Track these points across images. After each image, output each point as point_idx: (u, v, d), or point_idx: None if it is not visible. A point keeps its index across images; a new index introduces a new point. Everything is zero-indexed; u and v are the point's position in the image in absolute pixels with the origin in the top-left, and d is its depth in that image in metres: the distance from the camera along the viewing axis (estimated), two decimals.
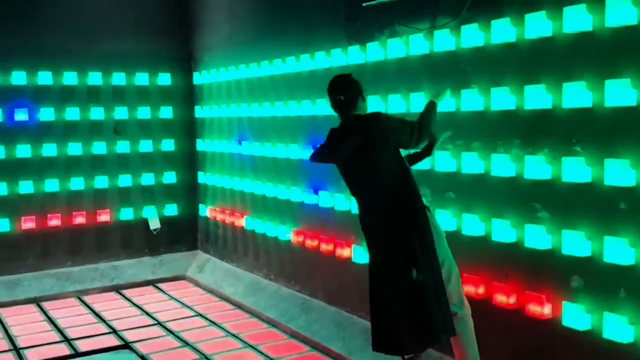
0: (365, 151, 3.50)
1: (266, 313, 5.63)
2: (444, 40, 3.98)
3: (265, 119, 5.89)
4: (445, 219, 4.02)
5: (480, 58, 3.79)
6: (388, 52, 4.41)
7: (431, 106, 3.69)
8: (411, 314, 3.46)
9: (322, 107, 5.05)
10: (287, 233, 5.63)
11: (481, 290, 3.81)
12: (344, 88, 3.64)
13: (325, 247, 5.12)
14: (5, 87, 6.37)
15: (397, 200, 3.50)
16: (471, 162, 3.83)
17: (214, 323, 5.60)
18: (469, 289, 3.84)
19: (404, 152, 3.63)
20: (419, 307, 3.43)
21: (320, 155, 3.69)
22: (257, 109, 5.93)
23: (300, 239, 5.42)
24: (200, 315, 5.83)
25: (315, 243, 5.24)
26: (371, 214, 3.63)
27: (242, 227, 6.32)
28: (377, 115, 3.60)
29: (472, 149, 3.85)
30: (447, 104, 3.89)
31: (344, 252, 4.88)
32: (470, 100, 3.83)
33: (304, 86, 5.32)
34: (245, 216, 6.26)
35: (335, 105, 3.65)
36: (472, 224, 3.84)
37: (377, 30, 4.51)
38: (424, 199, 3.64)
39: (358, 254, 4.72)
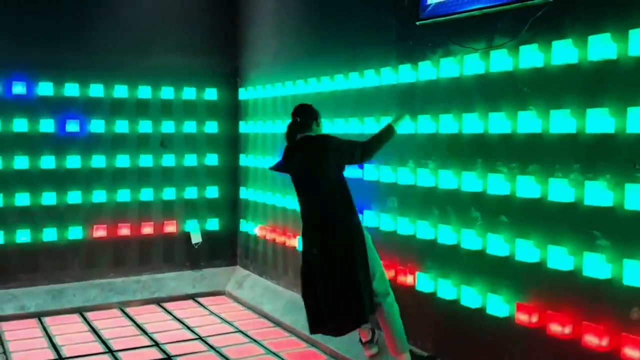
0: (310, 164, 4.25)
1: (305, 332, 5.54)
2: (501, 60, 3.90)
3: None
4: (497, 244, 3.93)
5: (539, 79, 3.70)
6: (441, 71, 4.35)
7: (387, 129, 4.40)
8: (346, 300, 4.14)
9: (370, 126, 5.01)
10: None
11: (534, 319, 3.70)
12: (302, 112, 4.44)
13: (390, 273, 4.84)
14: (58, 98, 6.49)
15: (334, 206, 4.19)
16: (527, 186, 3.73)
17: (254, 340, 5.56)
18: (522, 317, 3.74)
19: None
20: (352, 294, 4.11)
21: (277, 167, 4.58)
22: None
23: None
24: (240, 331, 5.81)
25: None
26: (313, 214, 4.30)
27: (294, 247, 6.15)
28: (323, 137, 4.33)
29: (527, 173, 3.76)
30: (407, 127, 4.52)
31: (407, 279, 4.68)
32: (527, 122, 3.74)
33: (352, 105, 5.29)
34: (297, 236, 6.14)
35: (293, 125, 4.41)
36: (526, 250, 3.74)
37: (429, 49, 4.46)
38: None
39: (423, 281, 4.51)
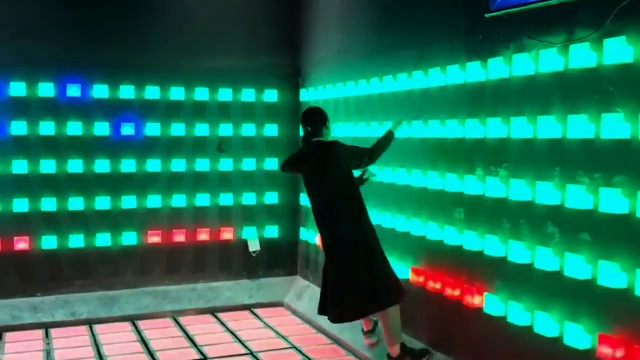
0: (321, 169, 4.59)
1: (364, 352, 5.15)
2: (582, 55, 3.38)
3: (372, 139, 5.44)
4: (577, 265, 3.41)
5: (627, 77, 3.16)
6: (513, 68, 3.86)
7: (388, 135, 4.72)
8: (353, 290, 4.49)
9: (436, 129, 4.57)
10: (405, 271, 4.98)
11: (619, 353, 3.16)
12: (310, 121, 4.70)
13: (450, 291, 4.42)
14: (113, 101, 6.35)
15: (342, 206, 4.57)
16: (612, 200, 3.20)
17: (308, 358, 5.20)
18: (605, 350, 3.21)
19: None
20: (360, 284, 4.47)
21: (289, 168, 4.98)
22: (364, 128, 5.52)
23: (421, 279, 4.76)
24: (295, 347, 5.46)
25: (438, 285, 4.55)
26: (324, 213, 4.68)
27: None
28: (332, 143, 4.63)
29: (613, 184, 3.23)
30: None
31: (474, 300, 4.20)
32: (612, 126, 3.21)
33: (416, 106, 4.85)
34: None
35: (307, 135, 4.70)
36: (611, 274, 3.20)
37: (501, 44, 3.97)
38: None
39: (492, 303, 4.02)
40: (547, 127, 3.58)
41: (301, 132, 4.83)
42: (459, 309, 4.35)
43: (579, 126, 3.39)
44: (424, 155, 4.75)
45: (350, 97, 5.86)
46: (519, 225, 3.84)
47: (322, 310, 4.82)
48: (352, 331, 5.51)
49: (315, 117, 4.71)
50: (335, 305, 4.61)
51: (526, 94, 3.79)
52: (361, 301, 4.50)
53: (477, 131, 4.14)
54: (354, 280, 4.48)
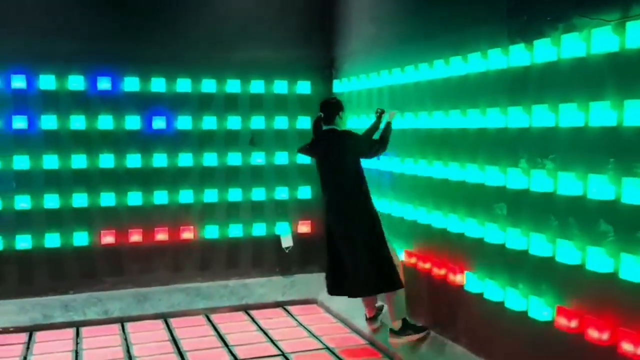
0: (331, 154, 4.96)
1: (400, 354, 4.90)
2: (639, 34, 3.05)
3: (407, 131, 5.18)
4: (634, 267, 3.08)
5: None
6: (562, 50, 3.53)
7: (388, 128, 5.01)
8: (358, 271, 4.86)
9: (476, 119, 4.26)
10: (440, 269, 4.74)
11: None
12: (326, 107, 5.06)
13: (492, 294, 4.12)
14: (144, 94, 6.21)
15: (349, 191, 4.90)
16: None
17: None
18: None
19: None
20: (362, 267, 4.83)
21: (303, 151, 5.33)
22: (398, 119, 5.24)
23: (458, 278, 4.48)
24: (328, 349, 5.23)
25: (479, 286, 4.27)
26: (331, 196, 5.02)
27: (419, 265, 5.47)
28: (344, 133, 4.99)
29: None
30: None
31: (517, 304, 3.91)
32: None
33: (453, 94, 4.55)
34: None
35: (319, 119, 5.05)
36: None
37: (548, 24, 3.64)
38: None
39: (537, 308, 3.72)
40: (600, 114, 3.26)
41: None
42: (499, 313, 4.05)
43: (635, 113, 3.06)
44: (463, 147, 4.45)
45: (384, 87, 5.58)
46: (568, 223, 3.53)
47: (334, 291, 5.18)
48: (386, 332, 5.25)
49: (331, 106, 5.05)
50: (345, 285, 5.02)
51: (576, 78, 3.47)
52: (368, 282, 4.86)
53: (521, 120, 3.82)
54: (362, 263, 4.83)
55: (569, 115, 3.46)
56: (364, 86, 5.97)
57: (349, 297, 5.17)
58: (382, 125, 5.14)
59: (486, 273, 4.22)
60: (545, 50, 3.64)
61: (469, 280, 4.37)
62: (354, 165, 4.91)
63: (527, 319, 3.80)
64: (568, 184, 3.47)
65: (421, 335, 4.85)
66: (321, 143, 5.04)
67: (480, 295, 4.24)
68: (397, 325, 4.89)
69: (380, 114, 5.28)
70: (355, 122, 6.15)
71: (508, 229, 3.98)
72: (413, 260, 5.09)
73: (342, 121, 5.09)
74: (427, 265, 4.89)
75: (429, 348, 4.77)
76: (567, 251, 3.48)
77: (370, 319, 5.29)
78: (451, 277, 4.56)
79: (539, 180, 3.69)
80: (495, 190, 4.09)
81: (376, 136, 5.09)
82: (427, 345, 4.79)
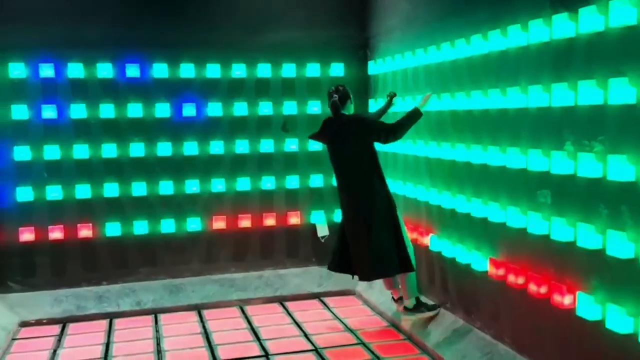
0: (343, 139, 4.93)
1: (438, 351, 4.61)
2: None
3: (444, 113, 4.84)
4: None
5: None
6: (610, 19, 3.14)
7: (415, 111, 4.83)
8: (374, 254, 4.90)
9: (516, 98, 3.91)
10: (483, 263, 4.39)
11: None
12: (338, 92, 5.00)
13: (534, 288, 3.77)
14: (173, 80, 6.04)
15: (361, 174, 4.94)
16: None
17: (377, 357, 4.71)
18: None
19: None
20: (384, 249, 4.90)
21: (315, 136, 5.19)
22: (434, 101, 4.90)
23: (501, 272, 4.14)
24: (363, 343, 4.98)
25: (521, 281, 3.93)
26: (344, 180, 5.05)
27: (426, 245, 5.22)
28: (356, 117, 5.05)
29: None
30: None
31: (565, 300, 3.53)
32: None
33: (492, 72, 4.20)
34: (431, 234, 5.17)
35: (331, 104, 4.97)
36: None
37: None
38: None
39: (585, 305, 3.38)
40: None
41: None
42: (546, 309, 3.71)
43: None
44: (502, 129, 4.10)
45: (420, 66, 5.24)
46: (620, 212, 3.16)
47: (338, 268, 5.26)
48: (425, 327, 4.98)
49: (343, 89, 5.04)
50: (359, 267, 5.06)
51: (628, 49, 3.08)
52: (385, 264, 4.92)
53: (566, 98, 3.46)
54: (380, 246, 4.88)
55: (620, 91, 3.08)
56: (399, 67, 5.64)
57: (361, 280, 5.23)
58: (393, 109, 5.34)
59: (530, 266, 3.88)
60: (591, 19, 3.25)
61: (510, 274, 4.03)
62: (369, 150, 4.93)
63: (575, 317, 3.46)
64: (619, 168, 3.11)
65: (433, 313, 5.01)
66: (333, 128, 5.02)
67: (524, 291, 3.90)
68: (410, 303, 5.06)
69: (391, 98, 5.34)
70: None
71: (553, 219, 3.63)
72: (454, 252, 4.77)
73: (352, 106, 5.12)
74: (468, 259, 4.57)
75: (474, 347, 4.46)
76: (618, 243, 3.12)
77: (398, 300, 5.25)
78: (492, 271, 4.23)
79: (586, 164, 3.33)
80: (539, 176, 3.74)
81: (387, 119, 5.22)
82: (473, 345, 4.47)
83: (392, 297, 5.35)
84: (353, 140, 4.89)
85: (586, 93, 3.31)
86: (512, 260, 4.05)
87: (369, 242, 4.88)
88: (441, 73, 4.89)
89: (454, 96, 4.65)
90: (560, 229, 3.55)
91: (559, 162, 3.54)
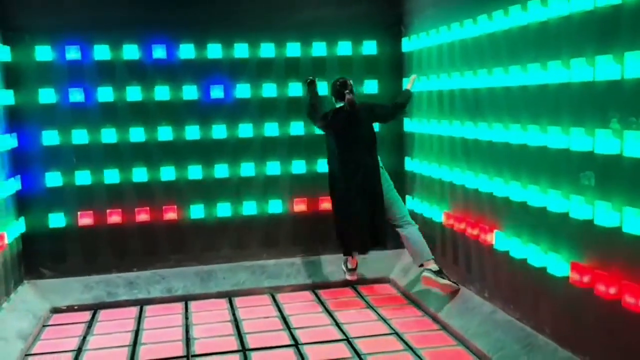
0: (356, 126, 5.29)
1: (474, 341, 4.37)
2: None
3: (481, 90, 4.55)
4: None
5: None
6: None
7: (407, 94, 5.49)
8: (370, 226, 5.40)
9: (557, 73, 3.61)
10: (522, 249, 4.13)
11: None
12: (349, 87, 5.34)
13: (576, 276, 3.50)
14: (200, 61, 5.88)
15: (374, 154, 5.36)
16: None
17: (410, 347, 4.50)
18: None
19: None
20: (377, 222, 5.39)
21: (326, 125, 5.47)
22: (471, 78, 4.62)
23: (541, 260, 3.89)
24: (397, 333, 4.78)
25: (563, 270, 3.67)
26: (351, 163, 5.34)
27: (462, 230, 4.98)
28: (364, 105, 5.37)
29: None
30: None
31: (610, 290, 3.25)
32: None
33: (532, 45, 3.89)
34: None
35: (348, 101, 5.27)
36: None
37: None
38: None
39: (632, 296, 3.10)
40: None
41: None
42: (589, 298, 3.43)
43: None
44: (542, 106, 3.81)
45: (455, 41, 4.95)
46: None
47: (350, 251, 5.61)
48: (462, 317, 4.74)
49: (352, 84, 5.36)
50: (365, 240, 5.44)
51: None
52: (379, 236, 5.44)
53: (611, 71, 3.16)
54: (380, 217, 5.36)
55: None
56: (434, 42, 5.35)
57: (379, 248, 5.58)
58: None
59: (571, 254, 3.60)
60: None
61: (552, 262, 3.76)
62: (374, 131, 5.39)
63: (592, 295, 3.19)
64: None
65: (454, 287, 5.05)
66: (351, 117, 5.30)
67: (566, 279, 3.63)
68: (432, 266, 5.14)
69: (310, 82, 5.70)
70: (425, 83, 5.57)
71: (597, 203, 3.34)
72: (489, 237, 4.51)
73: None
74: (506, 247, 4.30)
75: (513, 338, 4.21)
76: None
77: (355, 270, 5.74)
78: (532, 258, 3.96)
79: (633, 143, 3.03)
80: (582, 156, 3.45)
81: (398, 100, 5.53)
82: (512, 336, 4.22)
83: (349, 268, 5.70)
84: (364, 126, 5.31)
85: (633, 66, 3.00)
86: (553, 248, 3.78)
87: (380, 214, 5.34)
88: (478, 48, 4.59)
89: (491, 72, 4.36)
90: (605, 213, 3.26)
91: (603, 141, 3.24)
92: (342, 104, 5.33)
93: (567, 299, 3.71)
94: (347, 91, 5.28)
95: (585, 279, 3.43)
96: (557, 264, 3.71)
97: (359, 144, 5.31)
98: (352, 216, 5.38)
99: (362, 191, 5.32)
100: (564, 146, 3.58)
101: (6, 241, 5.12)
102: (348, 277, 5.76)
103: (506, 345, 4.13)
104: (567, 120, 3.57)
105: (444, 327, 4.85)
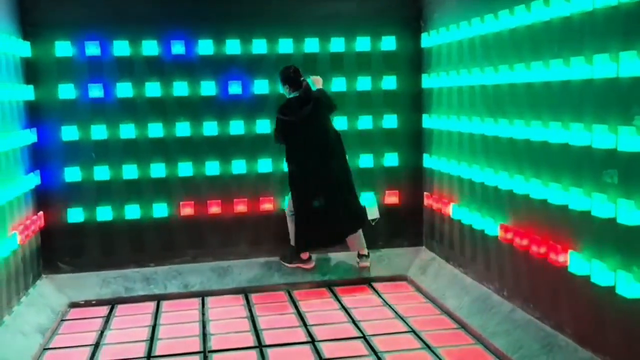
0: (318, 115, 5.52)
1: (493, 341, 4.32)
2: None
3: (502, 87, 4.49)
4: None
5: None
6: None
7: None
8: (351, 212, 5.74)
9: (580, 69, 3.55)
10: (540, 247, 4.07)
11: None
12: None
13: (596, 275, 3.48)
14: (218, 57, 5.88)
15: (337, 144, 5.64)
16: None
17: (427, 346, 4.46)
18: None
19: None
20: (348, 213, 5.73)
21: (290, 119, 5.55)
22: (492, 74, 4.56)
23: (561, 258, 3.81)
24: (414, 332, 4.74)
25: (583, 268, 3.63)
26: (325, 154, 5.57)
27: (482, 230, 4.93)
28: (321, 91, 5.58)
29: None
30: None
31: (633, 290, 3.22)
32: None
33: (554, 40, 3.83)
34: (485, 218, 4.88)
35: (305, 85, 5.58)
36: None
37: None
38: None
39: None
40: None
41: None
42: (611, 298, 3.37)
43: None
44: (565, 103, 3.75)
45: (476, 37, 4.89)
46: None
47: (311, 246, 5.86)
48: (481, 315, 4.69)
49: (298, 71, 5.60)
50: (336, 231, 5.72)
51: None
52: (353, 224, 5.78)
53: (635, 67, 3.10)
54: (353, 206, 5.73)
55: None
56: (454, 38, 5.30)
57: (349, 234, 5.80)
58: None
59: (593, 253, 3.54)
60: None
61: (573, 260, 3.71)
62: (331, 120, 5.71)
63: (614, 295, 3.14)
64: None
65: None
66: (313, 106, 5.49)
67: (587, 278, 3.57)
68: (366, 251, 5.89)
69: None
70: (444, 79, 5.52)
71: (619, 201, 3.28)
72: (509, 235, 4.46)
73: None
74: (525, 242, 4.25)
75: (533, 338, 4.15)
76: None
77: (363, 256, 5.95)
78: (552, 256, 3.91)
79: None
80: (605, 154, 3.39)
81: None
82: (531, 336, 4.17)
83: (304, 259, 5.93)
84: (326, 114, 5.54)
85: None
86: (575, 247, 3.72)
87: (351, 202, 5.69)
88: (499, 43, 4.54)
89: (512, 68, 4.30)
90: (628, 212, 3.20)
91: (627, 138, 3.18)
92: (296, 94, 5.51)
93: (588, 299, 3.65)
94: (303, 78, 5.48)
95: (608, 278, 3.37)
96: (578, 262, 3.65)
97: (323, 133, 5.54)
98: (326, 209, 5.60)
99: (327, 182, 5.57)
100: (586, 143, 3.52)
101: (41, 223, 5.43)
102: (305, 266, 5.93)
103: (525, 345, 4.08)
104: (589, 117, 3.51)
105: (462, 325, 4.80)
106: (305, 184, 5.64)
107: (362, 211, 5.79)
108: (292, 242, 5.90)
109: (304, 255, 5.91)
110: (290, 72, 5.56)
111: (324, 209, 5.61)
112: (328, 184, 5.60)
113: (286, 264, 5.98)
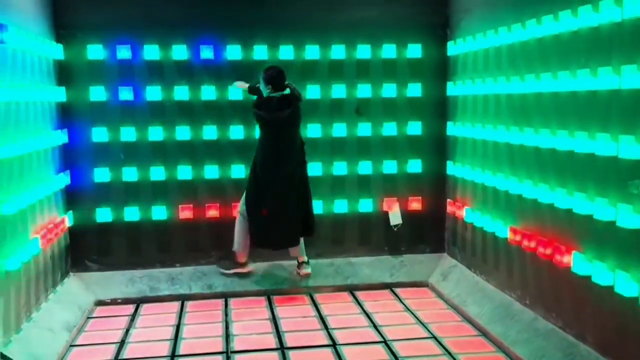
0: (297, 114, 5.59)
1: (515, 349, 4.33)
2: None
3: (528, 96, 4.51)
4: None
5: None
6: None
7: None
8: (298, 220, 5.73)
9: (607, 79, 3.56)
10: (565, 257, 4.08)
11: None
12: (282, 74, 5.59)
13: (620, 285, 3.48)
14: (246, 62, 5.96)
15: (301, 144, 5.68)
16: None
17: (448, 352, 4.49)
18: None
19: None
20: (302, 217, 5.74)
21: (275, 118, 5.49)
22: (518, 83, 4.58)
23: (584, 269, 3.84)
24: (435, 338, 4.77)
25: (608, 278, 3.62)
26: (290, 153, 5.60)
27: (505, 238, 4.94)
28: (294, 89, 5.59)
29: None
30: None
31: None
32: None
33: (582, 50, 3.85)
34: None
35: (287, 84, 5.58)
36: None
37: None
38: None
39: None
40: None
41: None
42: (634, 308, 3.37)
43: None
44: (591, 113, 3.76)
45: (502, 45, 4.92)
46: None
47: (263, 243, 5.81)
48: (502, 323, 4.71)
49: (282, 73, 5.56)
50: (287, 235, 5.72)
51: None
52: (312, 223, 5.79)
53: None
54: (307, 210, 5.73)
55: None
56: (480, 46, 5.32)
57: (292, 246, 5.82)
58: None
59: (617, 263, 3.55)
60: None
61: (597, 270, 3.71)
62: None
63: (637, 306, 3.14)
64: None
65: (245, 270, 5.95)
66: (293, 104, 5.51)
67: (611, 288, 3.58)
68: (305, 258, 5.90)
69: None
70: (470, 87, 5.54)
71: None
72: (533, 244, 4.47)
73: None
74: (549, 252, 4.26)
75: (555, 347, 4.16)
76: None
77: (303, 264, 5.93)
78: (576, 267, 3.91)
79: None
80: (631, 164, 3.40)
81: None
82: (554, 345, 4.18)
83: (241, 263, 5.89)
84: (299, 122, 5.64)
85: None
86: (599, 257, 3.73)
87: (306, 206, 5.70)
88: (526, 53, 4.56)
89: (539, 77, 4.32)
90: None
91: None
92: (275, 94, 5.48)
93: (611, 308, 3.66)
94: (281, 73, 5.51)
95: (632, 289, 3.38)
96: (602, 272, 3.66)
97: (293, 132, 5.59)
98: (286, 209, 5.62)
99: (286, 184, 5.59)
100: (612, 154, 3.54)
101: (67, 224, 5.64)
102: (243, 270, 5.92)
103: (547, 354, 4.09)
104: (616, 128, 3.52)
105: (484, 333, 4.82)
106: (261, 183, 5.62)
107: (312, 222, 5.76)
108: (235, 247, 5.86)
109: (241, 258, 5.88)
110: (274, 74, 5.51)
111: (273, 212, 5.59)
112: (281, 189, 5.58)
113: (225, 271, 5.95)
